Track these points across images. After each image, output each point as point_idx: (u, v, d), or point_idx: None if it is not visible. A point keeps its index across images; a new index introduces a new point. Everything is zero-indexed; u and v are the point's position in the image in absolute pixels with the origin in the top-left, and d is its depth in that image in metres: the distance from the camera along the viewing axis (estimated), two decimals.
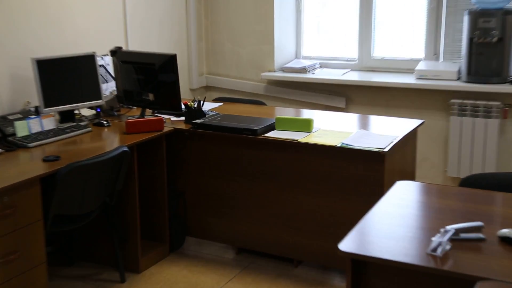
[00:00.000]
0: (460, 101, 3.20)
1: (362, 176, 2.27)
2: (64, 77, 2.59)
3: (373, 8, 3.60)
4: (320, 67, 3.87)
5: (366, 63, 3.73)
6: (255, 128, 2.43)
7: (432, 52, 3.47)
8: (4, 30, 2.52)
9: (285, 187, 2.43)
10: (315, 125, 2.52)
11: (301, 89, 3.73)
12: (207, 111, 2.82)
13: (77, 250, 2.60)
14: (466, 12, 3.11)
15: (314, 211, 2.38)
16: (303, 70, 3.75)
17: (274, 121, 2.51)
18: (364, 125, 2.68)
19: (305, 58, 3.94)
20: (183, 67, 3.77)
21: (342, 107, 3.63)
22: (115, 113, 2.85)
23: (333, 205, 2.34)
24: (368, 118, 2.82)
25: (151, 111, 2.87)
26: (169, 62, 2.61)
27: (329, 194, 2.35)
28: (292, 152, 2.39)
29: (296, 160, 2.39)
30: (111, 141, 2.45)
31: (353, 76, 3.63)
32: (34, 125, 2.40)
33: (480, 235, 1.47)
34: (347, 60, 3.81)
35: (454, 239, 1.44)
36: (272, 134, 2.44)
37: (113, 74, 2.90)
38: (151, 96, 2.70)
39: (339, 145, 2.27)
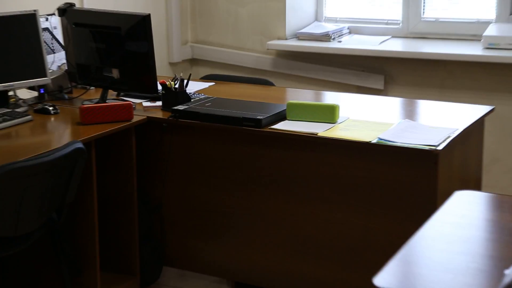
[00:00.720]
0: None
1: (407, 184, 2.26)
2: None
3: None
4: (350, 33, 3.86)
5: (414, 28, 3.72)
6: (258, 117, 2.43)
7: (508, 11, 3.45)
8: None
9: (299, 199, 2.43)
10: (342, 114, 2.52)
11: (323, 64, 3.73)
12: (193, 94, 2.82)
13: (11, 286, 2.60)
14: None
15: (339, 232, 2.38)
16: (326, 37, 3.74)
17: (285, 107, 2.51)
18: (409, 113, 2.67)
19: (329, 20, 3.94)
20: (159, 33, 3.77)
21: (379, 88, 3.63)
22: (65, 96, 2.84)
23: (365, 224, 2.33)
24: (416, 103, 2.82)
25: (116, 93, 2.87)
26: (140, 25, 2.61)
27: (360, 209, 2.34)
28: (309, 151, 2.39)
29: (314, 162, 2.39)
30: (60, 135, 2.45)
31: (395, 46, 3.63)
32: None
33: None
34: (386, 23, 3.80)
35: None
36: (282, 125, 2.44)
37: (62, 42, 2.90)
38: (115, 73, 2.70)
39: (374, 141, 2.27)
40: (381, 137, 2.28)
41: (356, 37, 3.78)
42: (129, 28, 2.62)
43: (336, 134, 2.34)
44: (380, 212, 2.31)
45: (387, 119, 2.50)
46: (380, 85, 3.62)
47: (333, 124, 2.43)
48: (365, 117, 2.54)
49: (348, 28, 3.85)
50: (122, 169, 2.59)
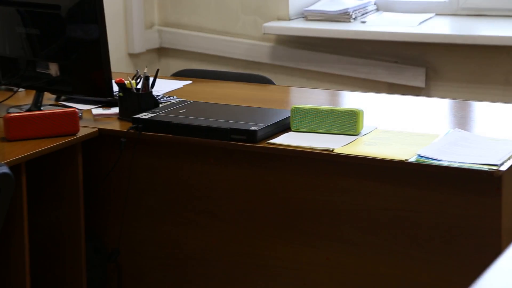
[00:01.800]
0: None
1: (458, 217, 2.27)
2: None
3: None
4: (377, 9, 3.89)
5: (466, 2, 3.74)
6: (252, 128, 2.44)
7: None
8: None
9: (309, 240, 2.43)
10: (367, 122, 2.52)
11: (340, 53, 3.75)
12: (162, 97, 2.83)
13: None
14: None
15: (366, 283, 2.37)
16: (344, 16, 3.77)
17: (289, 114, 2.52)
18: (461, 120, 2.69)
19: None
20: (115, 13, 3.79)
21: (418, 85, 3.64)
22: None
23: (401, 274, 2.33)
24: (469, 106, 2.83)
25: (54, 96, 2.87)
26: (87, 2, 2.62)
27: (394, 254, 2.34)
28: (322, 174, 2.39)
29: (329, 189, 2.39)
30: None
31: (440, 27, 3.65)
32: None
33: None
34: None
35: None
36: (284, 139, 2.45)
37: None
38: (53, 69, 2.71)
39: (412, 159, 2.27)
40: (422, 154, 2.29)
41: (386, 15, 3.81)
42: (73, 7, 2.64)
43: (359, 150, 2.35)
44: (421, 258, 2.31)
45: (429, 129, 2.50)
46: (420, 82, 3.63)
47: (355, 137, 2.43)
48: (399, 126, 2.55)
49: (375, 4, 3.87)
50: (64, 201, 2.59)
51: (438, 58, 3.60)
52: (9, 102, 2.83)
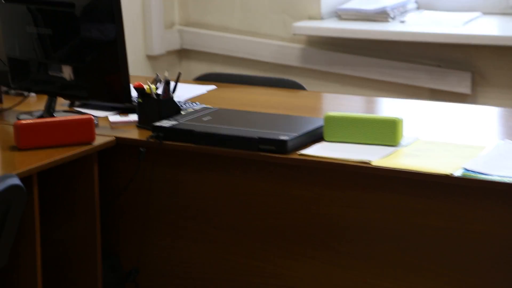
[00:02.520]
0: None
1: (509, 238, 2.25)
2: None
3: None
4: (418, 8, 3.87)
5: None
6: (282, 137, 2.44)
7: None
8: None
9: (344, 259, 2.43)
10: (408, 131, 2.52)
11: (377, 56, 3.74)
12: (184, 103, 2.83)
13: None
14: None
15: None
16: (382, 15, 3.76)
17: (322, 123, 2.53)
18: (511, 130, 2.67)
19: None
20: (133, 12, 3.80)
21: (464, 92, 3.62)
22: None
23: None
24: None
25: (68, 102, 2.88)
26: (103, 0, 2.64)
27: (437, 275, 2.34)
28: (358, 189, 2.40)
29: (366, 205, 2.40)
30: None
31: (487, 27, 3.62)
32: None
33: None
34: None
35: None
36: (317, 150, 2.45)
37: None
38: (67, 72, 2.73)
39: (458, 173, 2.27)
40: (468, 167, 2.28)
41: (427, 14, 3.79)
42: (88, 5, 2.66)
43: (398, 163, 2.34)
44: (468, 282, 2.30)
45: (476, 140, 2.50)
46: (465, 88, 3.61)
47: (394, 148, 2.43)
48: (443, 136, 2.54)
49: (415, 1, 3.86)
50: (78, 215, 2.60)
51: (486, 61, 3.58)
52: (20, 108, 2.86)
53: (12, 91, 2.98)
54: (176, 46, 4.02)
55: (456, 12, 3.75)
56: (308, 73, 3.82)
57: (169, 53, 3.99)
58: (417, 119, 2.73)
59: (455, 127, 2.69)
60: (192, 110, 2.74)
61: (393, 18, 3.74)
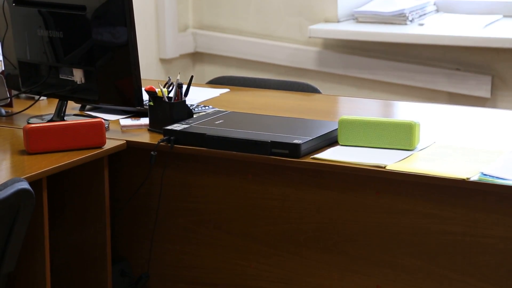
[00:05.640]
0: None
1: None
2: None
3: None
4: (437, 10, 3.85)
5: None
6: (296, 141, 2.44)
7: None
8: None
9: (358, 265, 2.43)
10: (425, 135, 2.51)
11: (395, 59, 3.73)
12: (196, 106, 2.84)
13: None
14: None
15: None
16: (400, 17, 3.75)
17: (336, 126, 2.53)
18: None
19: None
20: (146, 14, 3.81)
21: (483, 96, 3.61)
22: (2, 111, 2.89)
23: None
24: None
25: (79, 105, 2.89)
26: (115, 3, 2.65)
27: (453, 282, 2.33)
28: (373, 194, 2.40)
29: (382, 210, 2.40)
30: None
31: (507, 30, 3.60)
32: None
33: None
34: None
35: None
36: (331, 154, 2.45)
37: None
38: (78, 75, 2.74)
39: (475, 177, 2.26)
40: (486, 172, 2.27)
41: (447, 17, 3.78)
42: (99, 8, 2.66)
43: (414, 167, 2.34)
44: None
45: (494, 144, 2.49)
46: (485, 91, 3.60)
47: (410, 152, 2.43)
48: (461, 141, 2.54)
49: (434, 4, 3.85)
50: (88, 220, 2.61)
51: (506, 65, 3.56)
52: (30, 111, 2.86)
53: (22, 95, 2.99)
54: (189, 49, 4.02)
55: (476, 15, 3.73)
56: (324, 76, 3.82)
57: (182, 56, 4.00)
58: (434, 123, 2.72)
59: (473, 131, 2.69)
60: (204, 113, 2.74)
61: (411, 21, 3.73)
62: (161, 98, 2.66)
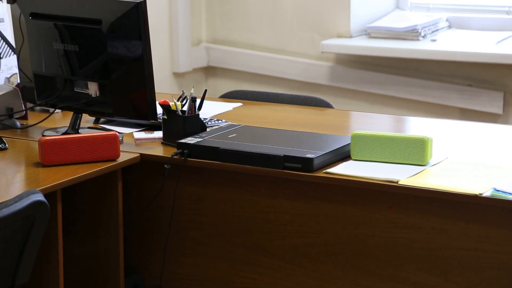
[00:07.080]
0: None
1: None
2: None
3: None
4: (449, 27, 3.86)
5: None
6: (308, 156, 2.44)
7: None
8: None
9: (370, 281, 2.43)
10: (437, 151, 2.51)
11: (407, 75, 3.73)
12: (209, 120, 2.85)
13: None
14: None
15: None
16: (412, 33, 3.76)
17: (349, 141, 2.53)
18: None
19: (417, 8, 3.95)
20: (160, 29, 3.82)
21: (495, 112, 3.60)
22: (17, 123, 2.90)
23: None
24: None
25: (93, 118, 2.91)
26: (130, 17, 2.66)
27: None
28: (385, 208, 2.39)
29: (394, 225, 2.39)
30: (8, 182, 2.48)
31: None
32: None
33: None
34: (507, 13, 3.79)
35: None
36: (344, 168, 2.45)
37: (12, 42, 2.95)
38: (92, 89, 2.75)
39: (487, 193, 2.26)
40: (499, 187, 2.27)
41: (459, 33, 3.78)
42: (115, 21, 2.67)
43: (427, 182, 2.34)
44: None
45: (507, 161, 2.49)
46: (497, 108, 3.59)
47: (422, 167, 2.43)
48: (473, 156, 2.53)
49: (447, 20, 3.85)
50: (101, 232, 2.61)
51: None
52: (45, 124, 2.87)
53: (37, 108, 3.00)
54: (203, 63, 4.03)
55: (488, 31, 3.74)
56: (337, 91, 3.82)
57: (196, 70, 4.01)
58: (446, 139, 2.72)
59: (486, 147, 2.68)
60: (218, 127, 2.75)
61: (423, 37, 3.73)
62: (175, 111, 2.67)
